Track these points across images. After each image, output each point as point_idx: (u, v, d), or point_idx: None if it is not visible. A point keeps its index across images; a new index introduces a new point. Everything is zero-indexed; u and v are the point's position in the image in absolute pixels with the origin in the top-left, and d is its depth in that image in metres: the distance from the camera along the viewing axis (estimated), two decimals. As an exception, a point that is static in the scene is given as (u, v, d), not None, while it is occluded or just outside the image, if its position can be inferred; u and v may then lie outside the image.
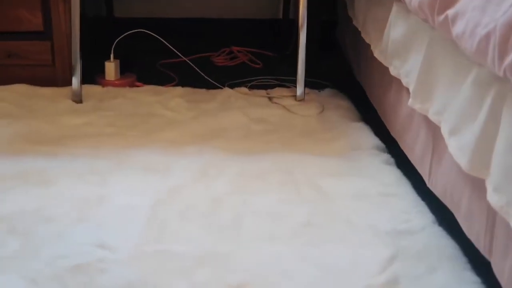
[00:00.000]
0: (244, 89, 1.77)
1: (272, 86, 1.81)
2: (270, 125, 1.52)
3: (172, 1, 2.24)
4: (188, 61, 1.89)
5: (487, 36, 0.77)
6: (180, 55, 1.89)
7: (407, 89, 1.18)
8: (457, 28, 0.88)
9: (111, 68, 1.77)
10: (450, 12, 0.91)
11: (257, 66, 2.04)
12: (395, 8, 1.30)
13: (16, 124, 1.46)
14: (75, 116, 1.53)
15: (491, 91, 0.83)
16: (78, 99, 1.63)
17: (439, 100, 1.02)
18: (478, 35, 0.80)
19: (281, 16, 2.28)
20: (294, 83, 1.72)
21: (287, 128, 1.51)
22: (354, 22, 1.68)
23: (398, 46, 1.26)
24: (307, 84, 1.73)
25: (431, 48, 1.08)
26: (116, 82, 1.77)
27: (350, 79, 1.76)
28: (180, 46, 1.91)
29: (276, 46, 2.19)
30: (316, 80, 1.84)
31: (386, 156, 1.35)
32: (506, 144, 0.77)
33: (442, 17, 0.93)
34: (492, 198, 0.78)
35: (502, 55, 0.73)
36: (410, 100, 1.12)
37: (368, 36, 1.53)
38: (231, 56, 2.12)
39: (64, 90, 1.69)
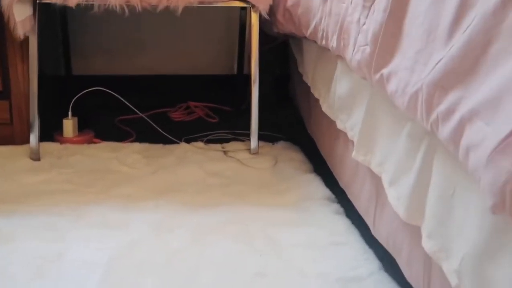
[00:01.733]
0: (200, 144, 1.82)
1: (228, 140, 1.86)
2: (226, 179, 1.57)
3: (129, 59, 2.30)
4: (145, 117, 1.94)
5: (416, 94, 0.84)
6: (137, 111, 1.94)
7: (353, 142, 1.25)
8: (391, 86, 0.95)
9: (69, 125, 1.80)
10: (384, 71, 0.98)
11: (214, 120, 2.10)
12: (339, 66, 1.37)
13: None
14: (33, 174, 1.55)
15: (423, 144, 0.90)
16: (36, 157, 1.66)
17: (379, 152, 1.09)
18: (408, 93, 0.87)
19: (235, 72, 2.35)
20: (249, 136, 1.78)
21: (242, 181, 1.56)
22: (304, 78, 1.76)
23: (343, 102, 1.33)
24: (261, 137, 1.80)
25: (372, 103, 1.15)
26: (74, 139, 1.80)
27: (302, 132, 1.83)
28: (138, 103, 1.96)
29: (232, 101, 2.25)
30: (270, 133, 1.90)
31: (336, 206, 1.41)
32: (438, 193, 0.83)
33: (377, 76, 1.00)
34: (426, 244, 0.84)
35: (428, 112, 0.80)
36: (354, 152, 1.18)
37: (317, 91, 1.60)
38: (188, 111, 2.18)
39: (22, 148, 1.71)
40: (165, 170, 1.60)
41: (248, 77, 1.82)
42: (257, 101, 1.75)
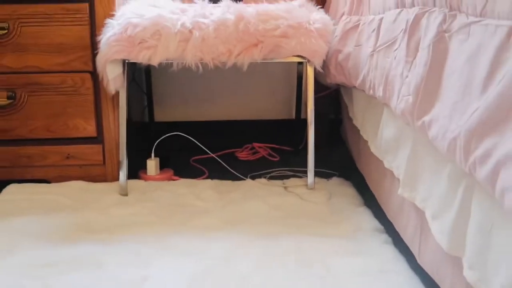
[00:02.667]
0: (263, 180, 1.83)
1: (288, 177, 1.87)
2: (286, 212, 1.57)
3: (202, 107, 2.35)
4: (215, 157, 1.97)
5: (454, 140, 0.84)
6: (208, 152, 1.98)
7: (399, 180, 1.24)
8: (432, 132, 0.94)
9: (152, 165, 1.86)
10: (426, 118, 0.98)
11: (275, 159, 2.11)
12: (385, 112, 1.37)
13: (72, 215, 1.53)
14: (122, 208, 1.59)
15: (462, 183, 0.89)
16: (124, 192, 1.71)
17: (423, 190, 1.08)
18: (447, 139, 0.86)
19: (294, 117, 2.37)
20: (306, 173, 1.79)
21: (301, 214, 1.56)
22: (354, 122, 1.76)
23: (389, 144, 1.33)
24: (317, 174, 1.80)
25: (415, 146, 1.15)
26: (156, 177, 1.85)
27: (353, 169, 1.82)
28: (209, 144, 2.00)
29: (291, 142, 2.27)
30: (324, 170, 1.90)
31: (385, 236, 1.39)
32: (477, 228, 0.82)
33: (419, 122, 1.00)
34: (468, 274, 0.82)
35: (466, 156, 0.80)
36: (400, 189, 1.18)
37: (365, 134, 1.60)
38: (253, 151, 2.21)
39: (113, 185, 1.77)
40: (234, 204, 1.61)
41: (305, 121, 1.83)
42: (313, 142, 1.76)
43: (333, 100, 2.21)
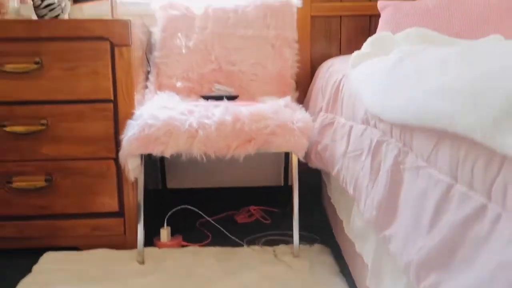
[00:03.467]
0: (257, 247, 1.85)
1: (277, 242, 1.88)
2: (274, 281, 1.58)
3: (206, 175, 2.38)
4: (213, 223, 1.99)
5: (408, 264, 0.85)
6: (209, 219, 2.00)
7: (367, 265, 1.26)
8: (392, 247, 0.97)
9: (164, 233, 1.87)
10: (386, 233, 1.00)
11: (267, 222, 2.13)
12: (355, 204, 1.40)
13: (95, 286, 1.55)
14: (139, 276, 1.60)
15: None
16: (141, 259, 1.72)
17: (387, 285, 1.10)
18: (403, 261, 0.88)
19: (282, 184, 2.40)
20: (293, 237, 1.79)
21: (287, 281, 1.57)
22: (332, 200, 1.79)
23: (359, 232, 1.34)
24: (301, 237, 1.81)
25: (380, 243, 1.17)
26: (168, 243, 1.86)
27: (332, 234, 1.83)
28: (214, 206, 2.03)
29: (280, 205, 2.29)
30: (308, 234, 1.92)
31: (357, 308, 1.41)
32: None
33: (381, 235, 1.03)
34: None
35: (418, 282, 0.82)
36: (367, 280, 1.19)
37: (341, 214, 1.62)
38: (249, 213, 2.23)
39: (132, 253, 1.78)
40: (232, 273, 1.62)
41: (291, 187, 1.86)
42: (298, 211, 1.75)
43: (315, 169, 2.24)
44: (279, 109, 1.70)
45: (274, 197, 2.37)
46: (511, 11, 1.89)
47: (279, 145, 1.63)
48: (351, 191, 1.32)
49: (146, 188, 1.95)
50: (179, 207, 1.93)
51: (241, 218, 2.19)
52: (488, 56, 0.78)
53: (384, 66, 1.21)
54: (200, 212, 1.97)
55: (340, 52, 2.25)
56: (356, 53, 1.56)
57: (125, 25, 1.74)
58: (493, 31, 1.80)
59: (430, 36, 1.59)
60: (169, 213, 1.90)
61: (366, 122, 1.28)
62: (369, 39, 1.58)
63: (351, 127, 1.44)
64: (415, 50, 1.24)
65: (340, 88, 1.64)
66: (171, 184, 2.38)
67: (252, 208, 2.25)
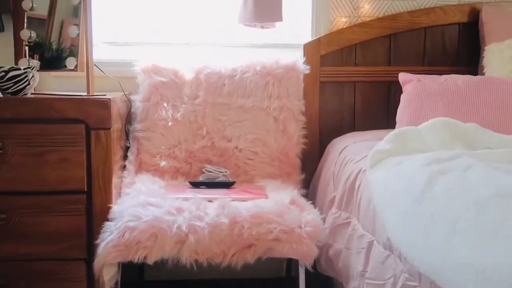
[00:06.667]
0: None
1: None
2: None
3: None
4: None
5: None
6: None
7: None
8: None
9: None
10: None
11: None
12: None
13: None
14: None
15: None
16: None
17: None
18: None
19: (284, 274, 2.42)
20: None
21: None
22: None
23: None
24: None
25: None
26: None
27: None
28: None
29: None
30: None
31: None
32: None
33: None
34: None
35: None
36: None
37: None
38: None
39: None
40: None
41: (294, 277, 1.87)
42: None
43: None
44: (284, 209, 1.74)
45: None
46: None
47: (285, 253, 1.67)
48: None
49: (120, 279, 1.96)
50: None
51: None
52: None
53: (411, 186, 1.27)
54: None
55: (354, 126, 2.31)
56: (375, 150, 1.62)
57: (104, 104, 1.79)
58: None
59: (460, 129, 1.66)
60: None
61: (389, 248, 1.33)
62: (391, 134, 1.65)
63: (370, 244, 1.49)
64: (446, 166, 1.30)
65: (356, 186, 1.70)
66: (149, 275, 2.39)
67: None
